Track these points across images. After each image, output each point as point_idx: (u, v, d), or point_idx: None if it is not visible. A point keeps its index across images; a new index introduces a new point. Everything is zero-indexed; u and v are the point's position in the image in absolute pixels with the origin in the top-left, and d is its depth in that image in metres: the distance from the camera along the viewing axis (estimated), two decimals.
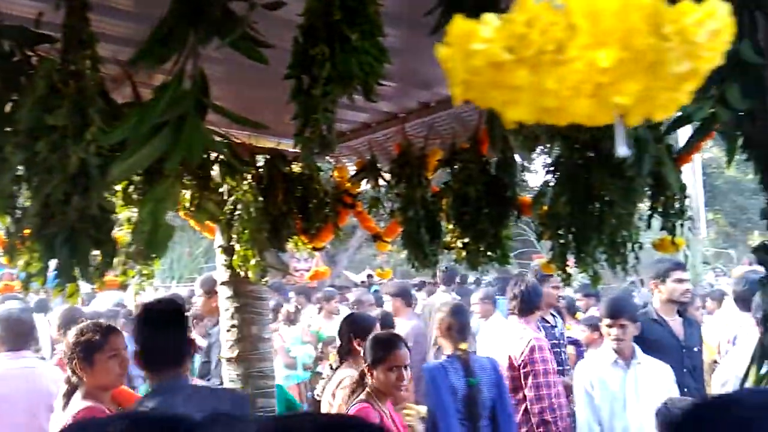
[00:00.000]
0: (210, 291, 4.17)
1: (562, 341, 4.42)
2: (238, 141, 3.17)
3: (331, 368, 3.44)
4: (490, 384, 3.25)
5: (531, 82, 0.30)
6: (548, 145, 2.20)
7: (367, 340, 2.96)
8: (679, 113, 1.55)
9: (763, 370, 1.59)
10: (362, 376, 2.86)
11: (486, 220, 2.56)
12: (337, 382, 3.20)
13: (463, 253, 2.67)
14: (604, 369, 3.36)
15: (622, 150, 0.39)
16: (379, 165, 3.33)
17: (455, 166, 2.73)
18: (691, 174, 10.01)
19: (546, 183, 2.28)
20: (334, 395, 3.15)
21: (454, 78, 0.34)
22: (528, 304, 3.65)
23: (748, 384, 1.61)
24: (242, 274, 3.00)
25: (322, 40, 1.23)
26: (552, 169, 2.17)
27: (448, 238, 2.78)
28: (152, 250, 1.29)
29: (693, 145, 2.00)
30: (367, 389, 2.78)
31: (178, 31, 1.22)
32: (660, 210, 2.04)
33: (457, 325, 3.40)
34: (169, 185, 1.29)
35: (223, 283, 3.34)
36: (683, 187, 2.06)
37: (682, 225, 2.11)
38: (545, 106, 0.31)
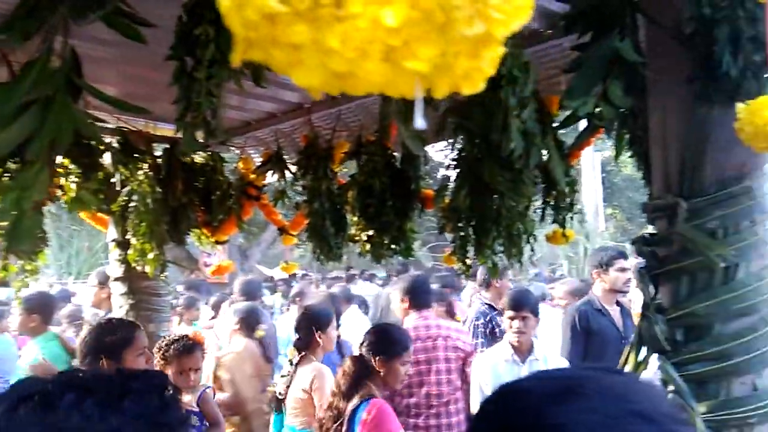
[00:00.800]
0: (103, 282, 3.92)
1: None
2: (134, 128, 3.00)
3: (291, 363, 3.32)
4: None
5: (312, 40, 0.28)
6: (451, 139, 2.23)
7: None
8: (568, 110, 1.59)
9: (641, 357, 1.68)
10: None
11: (390, 213, 2.56)
12: (310, 379, 3.05)
13: (368, 246, 2.65)
14: (499, 365, 3.27)
15: (420, 122, 0.37)
16: (285, 156, 3.27)
17: (361, 159, 2.72)
18: (591, 171, 10.56)
19: (448, 177, 2.31)
20: (311, 389, 3.01)
21: (235, 35, 0.31)
22: (419, 299, 3.62)
23: (629, 370, 1.70)
24: (138, 269, 2.84)
25: (208, 20, 1.16)
26: (454, 163, 2.20)
27: (353, 231, 2.76)
28: (15, 243, 1.17)
29: (582, 141, 2.09)
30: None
31: (44, 3, 1.11)
32: (552, 204, 2.11)
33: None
34: (36, 171, 1.18)
35: (116, 279, 3.16)
36: (573, 182, 2.14)
37: (572, 218, 2.19)
38: (334, 70, 0.28)
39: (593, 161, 10.27)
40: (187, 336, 3.01)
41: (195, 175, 3.13)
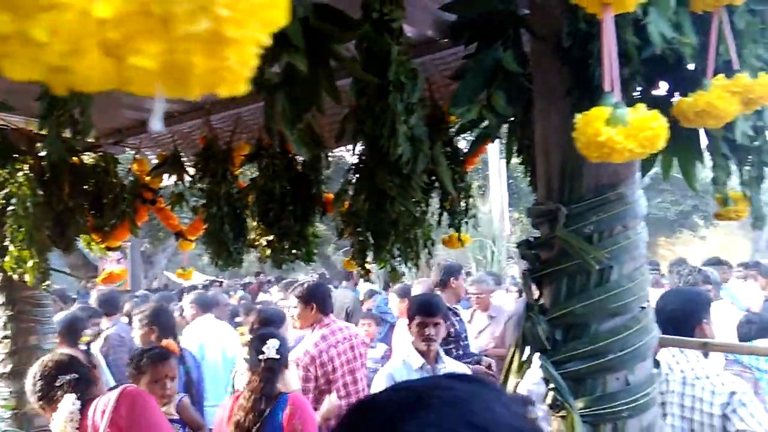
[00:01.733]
0: None
1: (464, 334, 4.49)
2: (15, 126, 2.80)
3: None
4: None
5: (16, 30, 0.26)
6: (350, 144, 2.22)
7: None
8: (460, 120, 1.62)
9: (524, 357, 1.74)
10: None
11: (291, 217, 2.53)
12: None
13: (268, 251, 2.60)
14: (408, 375, 3.12)
15: (155, 125, 0.36)
16: (183, 158, 3.15)
17: (262, 162, 2.66)
18: (497, 177, 10.95)
19: (348, 181, 2.31)
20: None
21: None
22: (326, 305, 3.63)
23: (513, 370, 1.76)
24: (16, 278, 2.64)
25: None
26: (354, 166, 2.20)
27: (252, 236, 2.70)
28: None
29: (476, 149, 2.15)
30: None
31: None
32: (447, 209, 2.16)
33: None
34: None
35: None
36: (468, 188, 2.19)
37: (467, 223, 2.25)
38: (49, 63, 0.27)
39: (500, 168, 10.66)
40: (159, 345, 3.13)
41: (84, 176, 2.95)
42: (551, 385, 1.62)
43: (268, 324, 3.53)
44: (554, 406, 1.62)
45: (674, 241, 23.65)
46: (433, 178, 2.22)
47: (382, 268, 2.41)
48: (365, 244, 2.26)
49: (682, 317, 2.53)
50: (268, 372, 2.68)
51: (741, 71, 1.15)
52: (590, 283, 1.66)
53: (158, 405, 2.63)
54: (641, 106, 0.80)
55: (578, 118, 0.82)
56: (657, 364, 1.74)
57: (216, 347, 4.68)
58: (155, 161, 3.32)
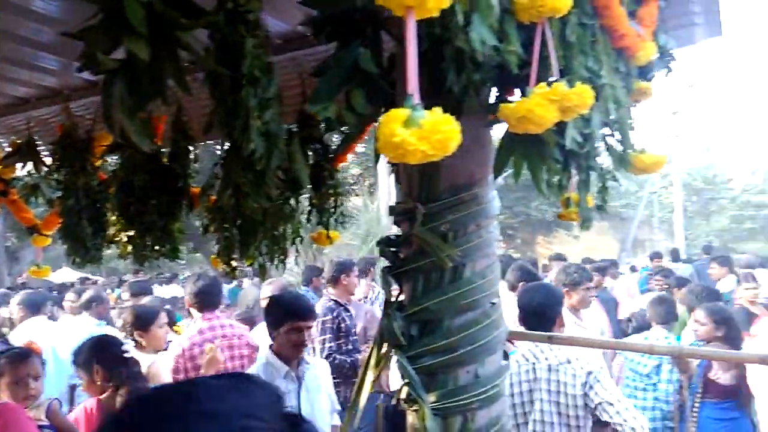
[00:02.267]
0: None
1: (353, 330, 4.48)
2: None
3: None
4: None
5: None
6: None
7: None
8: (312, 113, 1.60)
9: (382, 352, 1.78)
10: None
11: (154, 212, 2.41)
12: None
13: (129, 247, 2.47)
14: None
15: None
16: (39, 146, 2.91)
17: (125, 153, 2.52)
18: (386, 174, 11.13)
19: (215, 175, 2.23)
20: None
21: None
22: (206, 301, 3.55)
23: (371, 366, 1.78)
24: None
25: None
26: (221, 160, 2.14)
27: (112, 231, 2.54)
28: None
29: (344, 147, 2.16)
30: None
31: None
32: (316, 205, 2.15)
33: None
34: None
35: None
36: (337, 185, 2.20)
37: (336, 220, 2.25)
38: None
39: (387, 167, 10.83)
40: (20, 346, 3.03)
41: None
42: (405, 380, 1.66)
43: (136, 322, 3.38)
44: (408, 401, 1.66)
45: (551, 240, 25.25)
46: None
47: (250, 265, 2.36)
48: (231, 240, 2.20)
49: (548, 310, 2.72)
50: None
51: (571, 79, 1.24)
52: (444, 280, 1.71)
53: (25, 413, 2.46)
54: (437, 110, 0.83)
55: (381, 118, 0.84)
56: (506, 356, 1.84)
57: (46, 349, 4.37)
58: (9, 149, 3.05)
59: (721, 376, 3.74)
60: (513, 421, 2.56)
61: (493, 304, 1.77)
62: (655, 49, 1.53)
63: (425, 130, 0.81)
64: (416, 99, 0.88)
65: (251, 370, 3.12)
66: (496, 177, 1.75)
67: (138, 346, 3.32)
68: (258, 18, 1.43)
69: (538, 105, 1.09)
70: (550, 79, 1.16)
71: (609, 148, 1.45)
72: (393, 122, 0.82)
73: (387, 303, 1.74)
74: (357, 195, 19.27)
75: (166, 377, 3.20)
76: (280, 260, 2.16)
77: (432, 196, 1.73)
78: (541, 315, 2.68)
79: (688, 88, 22.09)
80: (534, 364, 2.59)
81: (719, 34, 2.48)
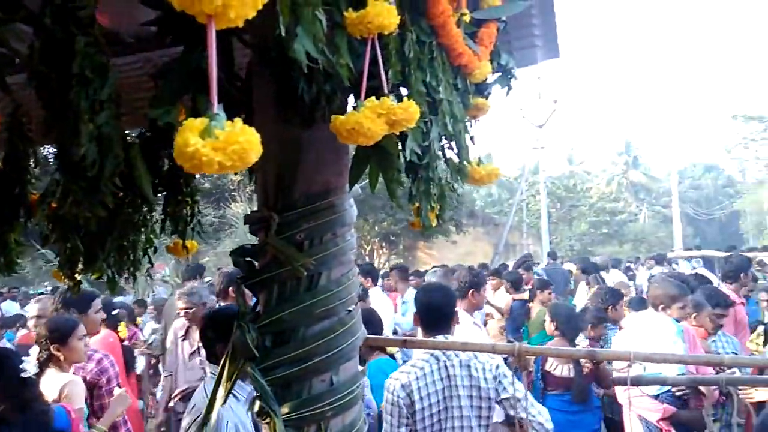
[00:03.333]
0: None
1: None
2: None
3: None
4: None
5: None
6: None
7: None
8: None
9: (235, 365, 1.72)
10: None
11: None
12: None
13: None
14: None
15: None
16: None
17: None
18: None
19: (56, 180, 2.06)
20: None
21: None
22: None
23: (223, 380, 1.73)
24: None
25: None
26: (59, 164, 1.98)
27: None
28: None
29: None
30: None
31: None
32: (170, 214, 2.06)
33: None
34: None
35: None
36: (193, 192, 2.12)
37: (193, 229, 2.17)
38: None
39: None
40: None
41: None
42: (258, 393, 1.62)
43: (53, 334, 3.15)
44: (261, 414, 1.62)
45: (431, 245, 26.11)
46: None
47: (97, 278, 2.21)
48: (75, 252, 2.04)
49: (446, 309, 2.78)
50: None
51: (410, 94, 1.29)
52: (300, 288, 1.70)
53: None
54: (238, 121, 0.83)
55: (180, 127, 0.82)
56: (363, 362, 1.86)
57: None
58: None
59: (557, 367, 4.11)
60: (433, 419, 2.55)
61: (350, 311, 1.79)
62: (489, 68, 1.62)
63: (221, 141, 0.79)
64: (215, 108, 0.86)
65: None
66: (351, 186, 1.77)
67: (54, 360, 3.08)
68: (92, 15, 1.34)
69: (367, 118, 1.12)
70: (384, 93, 1.19)
71: (447, 159, 1.52)
72: (188, 132, 0.80)
73: (240, 314, 1.70)
74: (237, 202, 18.75)
75: (80, 398, 3.02)
76: (130, 273, 2.04)
77: (288, 205, 1.72)
78: (440, 313, 2.73)
79: (553, 104, 23.82)
80: (445, 362, 2.59)
81: (557, 56, 2.72)
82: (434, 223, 1.79)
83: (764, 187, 39.65)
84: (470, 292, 4.15)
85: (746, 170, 49.85)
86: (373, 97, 1.17)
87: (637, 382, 2.11)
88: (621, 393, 3.43)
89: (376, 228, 21.51)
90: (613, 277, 10.93)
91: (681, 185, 52.97)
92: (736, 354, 3.86)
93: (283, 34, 0.99)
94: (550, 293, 7.21)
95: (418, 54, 1.38)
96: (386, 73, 1.26)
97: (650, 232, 41.43)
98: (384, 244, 22.35)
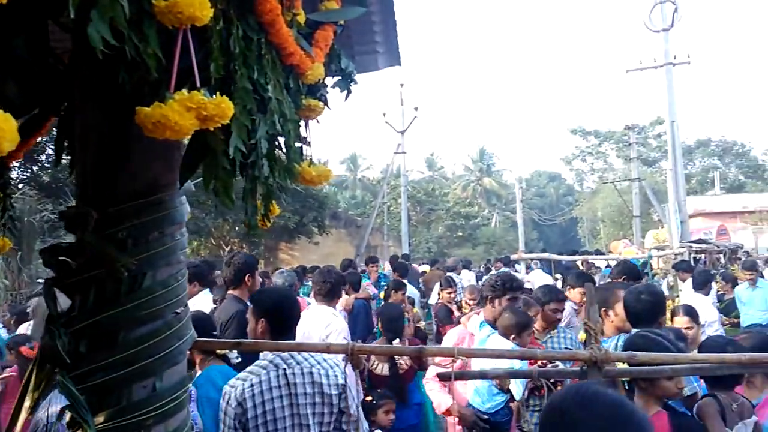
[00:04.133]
0: None
1: None
2: None
3: None
4: None
5: None
6: None
7: None
8: None
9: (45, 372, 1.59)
10: None
11: None
12: None
13: None
14: None
15: None
16: None
17: None
18: None
19: None
20: None
21: None
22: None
23: (30, 389, 1.58)
24: None
25: None
26: None
27: None
28: None
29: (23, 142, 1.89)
30: None
31: None
32: None
33: None
34: None
35: None
36: (6, 183, 1.92)
37: (4, 225, 1.97)
38: None
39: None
40: None
41: None
42: (68, 403, 1.50)
43: None
44: (72, 424, 1.50)
45: (293, 246, 25.89)
46: None
47: None
48: None
49: (293, 313, 2.70)
50: None
51: (235, 90, 1.26)
52: (121, 290, 1.60)
53: None
54: None
55: None
56: (191, 365, 1.80)
57: None
58: None
59: (377, 366, 4.38)
60: (268, 427, 2.44)
61: (177, 313, 1.71)
62: (322, 70, 1.64)
63: None
64: None
65: None
66: (182, 183, 1.69)
67: None
68: None
69: (174, 112, 1.08)
70: (197, 87, 1.16)
71: (276, 159, 1.51)
72: None
73: (49, 318, 1.56)
74: None
75: None
76: None
77: (109, 199, 1.61)
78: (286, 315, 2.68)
79: (414, 111, 24.70)
80: (285, 369, 2.52)
81: (399, 64, 2.81)
82: (267, 224, 1.76)
83: (598, 196, 44.08)
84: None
85: (583, 180, 55.29)
86: (184, 90, 1.13)
87: (461, 376, 2.24)
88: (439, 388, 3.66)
89: (237, 228, 20.90)
90: (464, 278, 11.60)
91: (528, 192, 57.51)
92: (570, 349, 4.23)
93: (72, 16, 0.92)
94: (403, 294, 7.51)
95: (244, 50, 1.35)
96: (207, 67, 1.23)
97: (500, 235, 44.42)
98: (245, 245, 21.76)
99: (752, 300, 7.79)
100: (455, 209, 42.09)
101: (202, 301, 4.90)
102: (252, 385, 2.44)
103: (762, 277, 8.35)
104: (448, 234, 39.87)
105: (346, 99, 1.88)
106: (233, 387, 2.43)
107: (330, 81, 1.87)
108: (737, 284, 8.36)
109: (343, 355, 2.32)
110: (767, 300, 7.69)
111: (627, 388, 2.87)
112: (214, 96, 1.17)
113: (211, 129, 1.20)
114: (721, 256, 14.46)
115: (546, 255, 12.06)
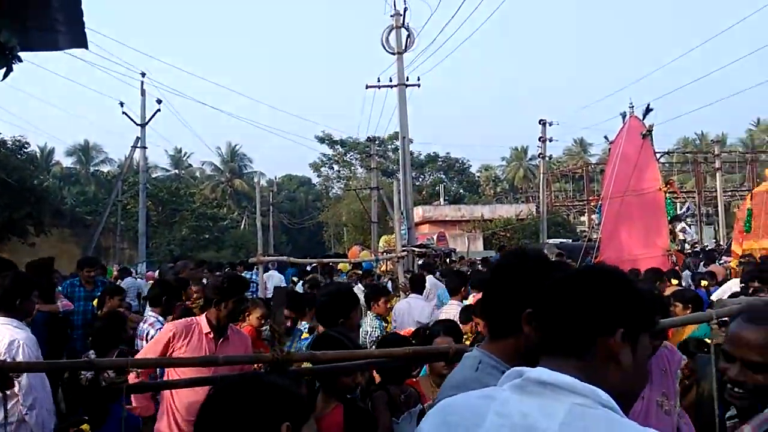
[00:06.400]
0: None
1: None
2: None
3: None
4: None
5: None
6: None
7: None
8: None
9: None
10: None
11: None
12: None
13: None
14: None
15: None
16: None
17: None
18: None
19: None
20: None
21: None
22: None
23: None
24: None
25: None
26: None
27: None
28: None
29: None
30: None
31: None
32: None
33: None
34: None
35: None
36: None
37: None
38: None
39: None
40: None
41: None
42: None
43: None
44: None
45: (2, 248, 22.21)
46: None
47: None
48: None
49: None
50: None
51: None
52: None
53: None
54: None
55: None
56: None
57: None
58: None
59: None
60: None
61: None
62: None
63: None
64: None
65: None
66: None
67: None
68: None
69: None
70: None
71: None
72: None
73: None
74: None
75: None
76: None
77: None
78: None
79: (157, 103, 23.10)
80: None
81: (85, 47, 2.58)
82: None
83: (342, 202, 46.55)
84: None
85: (331, 187, 57.90)
86: None
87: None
88: None
89: None
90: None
91: (279, 196, 58.24)
92: None
93: None
94: (120, 299, 6.91)
95: None
96: None
97: (249, 238, 44.18)
98: None
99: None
100: (201, 210, 40.60)
101: None
102: None
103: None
104: (193, 236, 38.22)
105: (4, 77, 1.57)
106: None
107: None
108: None
109: None
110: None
111: (316, 388, 2.96)
112: None
113: None
114: (437, 258, 16.48)
115: (285, 258, 12.31)
